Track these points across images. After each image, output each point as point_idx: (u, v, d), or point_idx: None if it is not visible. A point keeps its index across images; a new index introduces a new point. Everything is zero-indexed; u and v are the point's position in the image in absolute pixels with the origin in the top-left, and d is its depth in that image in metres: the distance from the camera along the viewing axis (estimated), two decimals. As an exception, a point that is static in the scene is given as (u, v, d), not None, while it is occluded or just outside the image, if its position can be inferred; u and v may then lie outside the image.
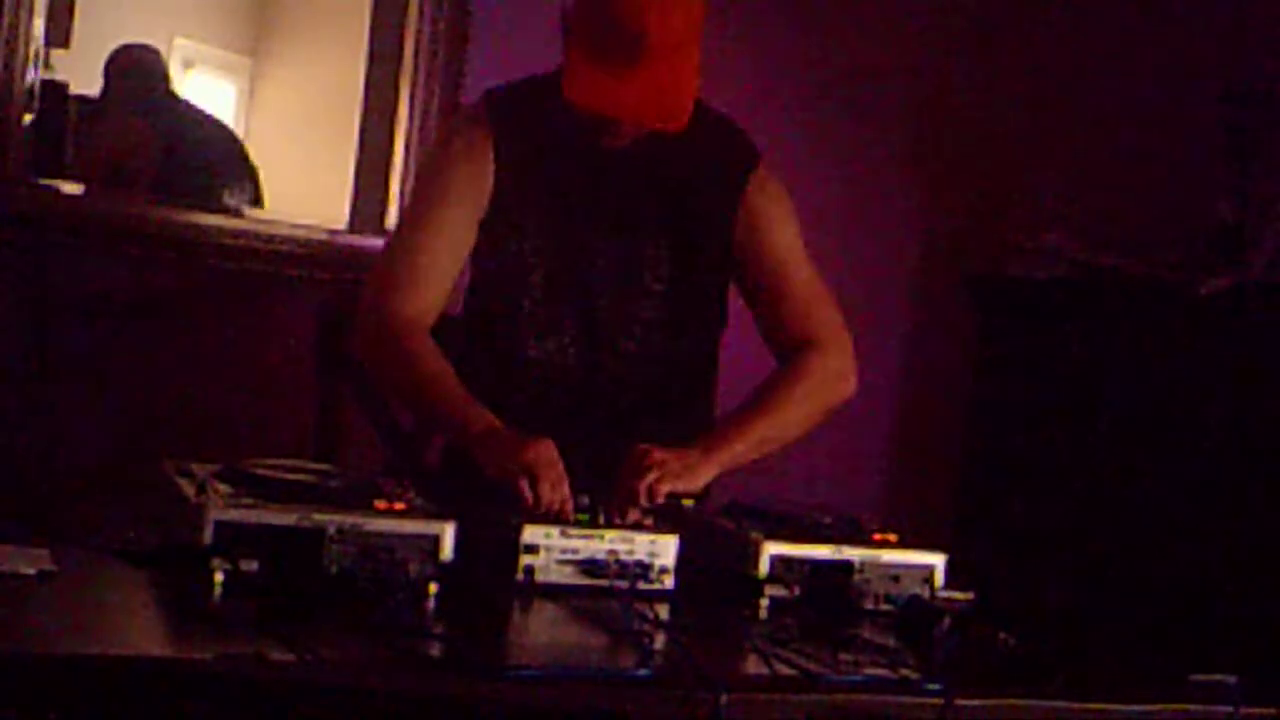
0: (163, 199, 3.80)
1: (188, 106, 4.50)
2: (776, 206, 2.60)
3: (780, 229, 2.59)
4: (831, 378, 2.57)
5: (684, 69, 2.39)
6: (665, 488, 2.28)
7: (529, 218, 2.51)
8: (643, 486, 2.26)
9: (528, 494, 2.18)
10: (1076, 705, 1.87)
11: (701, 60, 2.44)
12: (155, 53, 4.38)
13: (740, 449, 2.42)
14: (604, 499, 2.22)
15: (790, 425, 2.50)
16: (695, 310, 2.59)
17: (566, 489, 2.19)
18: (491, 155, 2.50)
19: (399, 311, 2.47)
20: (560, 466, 2.21)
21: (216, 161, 4.32)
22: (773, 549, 2.11)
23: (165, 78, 4.41)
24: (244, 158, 4.42)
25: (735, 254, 2.57)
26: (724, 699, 1.65)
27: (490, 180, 2.50)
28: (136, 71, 4.27)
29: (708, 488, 2.44)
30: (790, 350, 2.56)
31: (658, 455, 2.30)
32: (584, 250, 2.52)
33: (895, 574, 2.16)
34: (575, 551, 2.07)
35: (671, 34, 2.35)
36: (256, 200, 4.26)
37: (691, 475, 2.33)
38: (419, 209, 2.57)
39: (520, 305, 2.52)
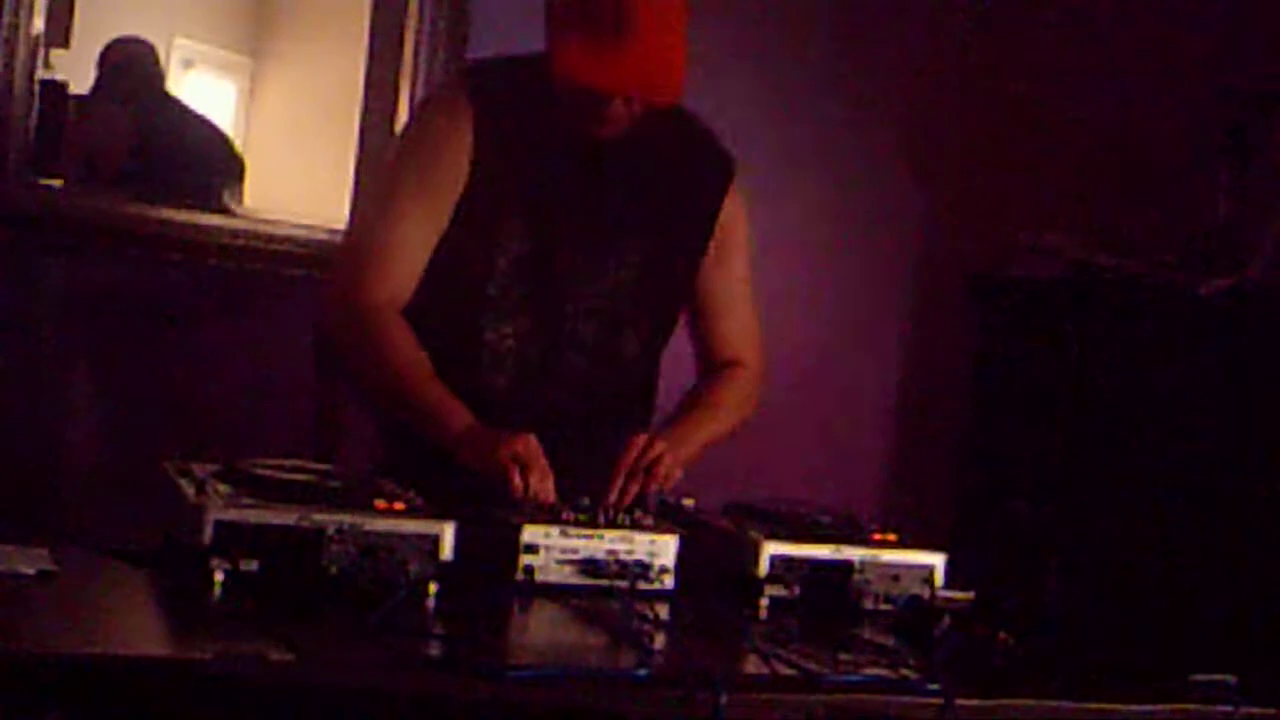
0: (162, 198, 3.80)
1: (179, 105, 4.49)
2: (738, 228, 2.65)
3: (738, 252, 2.66)
4: (753, 399, 2.69)
5: (671, 43, 2.39)
6: (675, 476, 2.36)
7: (505, 203, 2.49)
8: (662, 471, 2.33)
9: (519, 483, 2.19)
10: (1076, 705, 1.87)
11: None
12: (149, 47, 4.37)
13: (696, 449, 2.51)
14: (609, 482, 2.28)
15: (725, 432, 2.61)
16: (656, 309, 2.61)
17: (552, 483, 2.23)
18: (471, 137, 2.48)
19: (370, 294, 2.45)
20: (545, 460, 2.25)
21: (206, 160, 4.31)
22: (773, 549, 2.11)
23: (159, 74, 4.39)
24: (235, 157, 4.42)
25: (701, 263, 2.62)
26: (724, 699, 1.65)
27: (468, 163, 2.48)
28: (129, 65, 4.25)
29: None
30: (717, 363, 2.66)
31: (661, 444, 2.37)
32: (555, 239, 2.51)
33: (895, 574, 2.16)
34: (575, 551, 2.07)
35: (656, 7, 2.37)
36: (239, 197, 4.25)
37: (679, 467, 2.40)
38: (394, 186, 2.53)
39: (484, 289, 2.50)
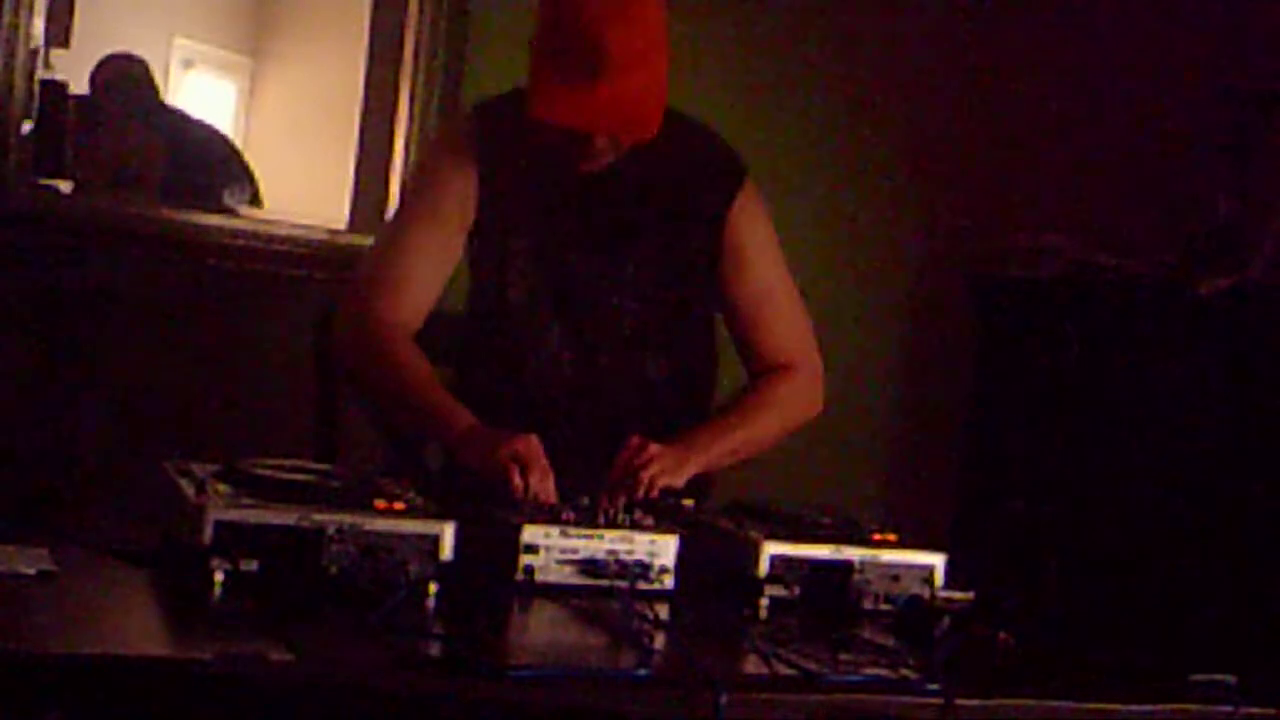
0: (162, 198, 3.81)
1: (181, 114, 4.50)
2: (758, 228, 2.62)
3: (761, 254, 2.62)
4: (802, 399, 2.65)
5: (648, 80, 2.41)
6: (663, 481, 2.33)
7: (514, 232, 2.53)
8: (646, 477, 2.31)
9: (518, 482, 2.20)
10: (1076, 705, 1.87)
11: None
12: (141, 62, 4.38)
13: (717, 454, 2.48)
14: (600, 487, 2.26)
15: (762, 440, 2.57)
16: (678, 329, 2.60)
17: (553, 483, 2.23)
18: (476, 172, 2.52)
19: (382, 317, 2.48)
20: (545, 460, 2.25)
21: (217, 164, 4.33)
22: (773, 549, 2.11)
23: (154, 87, 4.40)
24: (241, 160, 4.43)
25: (718, 275, 2.59)
26: (724, 699, 1.65)
27: (475, 197, 2.53)
28: (124, 82, 4.27)
29: (707, 487, 2.49)
30: (765, 370, 2.63)
31: (654, 449, 2.35)
32: (568, 265, 2.54)
33: (895, 574, 2.16)
34: (575, 551, 2.07)
35: (633, 46, 2.37)
36: (255, 200, 4.26)
37: (679, 473, 2.38)
38: (404, 219, 2.59)
39: (508, 316, 2.54)
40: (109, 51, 4.27)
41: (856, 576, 2.14)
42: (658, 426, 2.48)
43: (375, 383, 2.52)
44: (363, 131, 3.75)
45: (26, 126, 3.31)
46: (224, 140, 4.53)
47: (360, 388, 2.62)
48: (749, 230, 2.60)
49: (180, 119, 4.44)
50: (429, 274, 2.53)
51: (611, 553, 2.08)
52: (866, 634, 2.03)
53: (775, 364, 2.63)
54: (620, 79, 2.35)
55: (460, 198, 2.52)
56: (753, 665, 1.84)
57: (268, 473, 2.02)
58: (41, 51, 3.32)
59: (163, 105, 4.44)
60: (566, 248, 2.54)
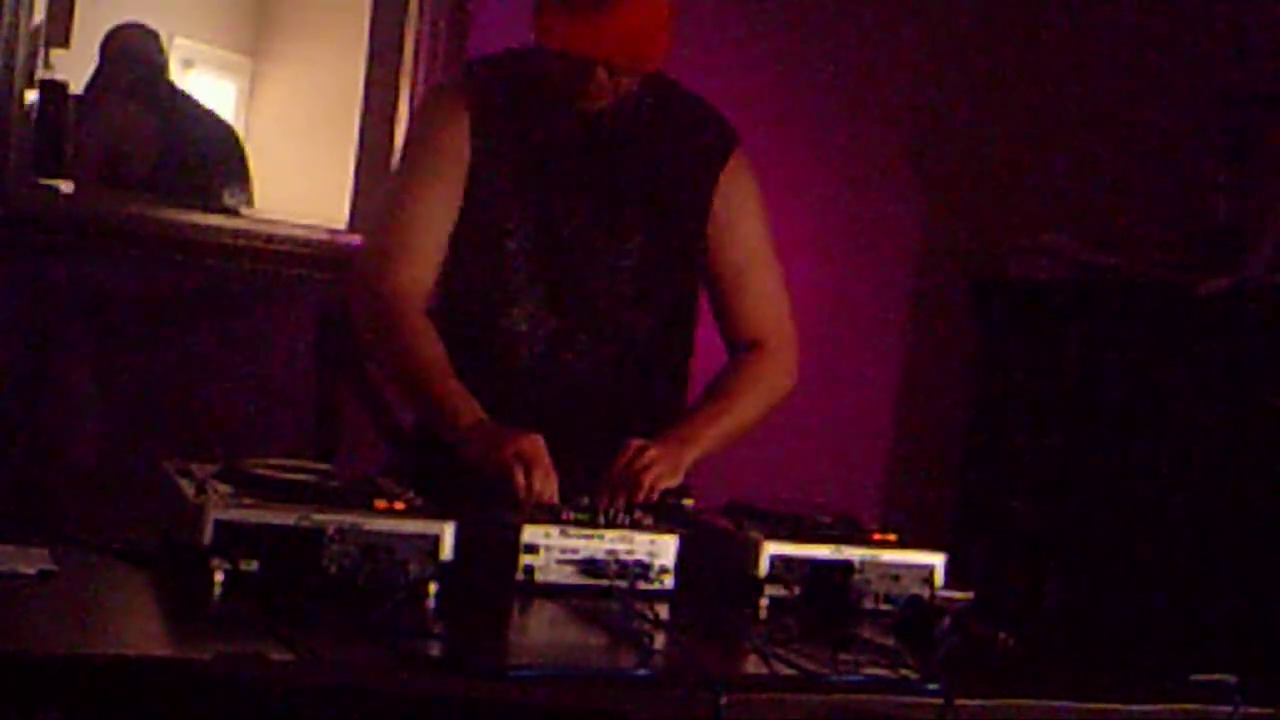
0: (162, 198, 3.80)
1: (189, 101, 4.48)
2: (748, 197, 2.63)
3: (749, 223, 2.63)
4: (780, 378, 2.65)
5: (652, 13, 2.43)
6: (663, 485, 2.33)
7: (506, 187, 2.52)
8: (647, 481, 2.31)
9: (521, 481, 2.20)
10: (1076, 705, 1.87)
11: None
12: (153, 34, 4.35)
13: (709, 443, 2.49)
14: (599, 488, 2.26)
15: (747, 423, 2.57)
16: (664, 288, 2.60)
17: (555, 484, 2.22)
18: (468, 124, 2.52)
19: (393, 285, 2.48)
20: (549, 460, 2.24)
21: (216, 160, 4.31)
22: (773, 549, 2.11)
23: (164, 63, 4.38)
24: (241, 155, 4.42)
25: (706, 237, 2.60)
26: (724, 699, 1.65)
27: (469, 149, 2.52)
28: (134, 56, 4.24)
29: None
30: (743, 344, 2.63)
31: (653, 451, 2.35)
32: (558, 221, 2.53)
33: (895, 574, 2.16)
34: (575, 551, 2.07)
35: None
36: (248, 198, 4.26)
37: (678, 472, 2.39)
38: (405, 180, 2.59)
39: (494, 273, 2.52)
40: (118, 24, 4.26)
41: (856, 576, 2.14)
42: (644, 382, 2.52)
43: (387, 363, 2.53)
44: (363, 131, 3.75)
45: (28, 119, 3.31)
46: (228, 133, 4.52)
47: (370, 358, 2.62)
48: (739, 196, 2.61)
49: (186, 107, 4.42)
50: (434, 229, 2.52)
51: (611, 553, 2.08)
52: (866, 634, 2.03)
53: (754, 335, 2.63)
54: (626, 11, 2.39)
55: (456, 151, 2.52)
56: (753, 665, 1.84)
57: (268, 473, 2.02)
58: (41, 51, 3.32)
59: (171, 86, 4.42)
60: (561, 201, 2.53)
